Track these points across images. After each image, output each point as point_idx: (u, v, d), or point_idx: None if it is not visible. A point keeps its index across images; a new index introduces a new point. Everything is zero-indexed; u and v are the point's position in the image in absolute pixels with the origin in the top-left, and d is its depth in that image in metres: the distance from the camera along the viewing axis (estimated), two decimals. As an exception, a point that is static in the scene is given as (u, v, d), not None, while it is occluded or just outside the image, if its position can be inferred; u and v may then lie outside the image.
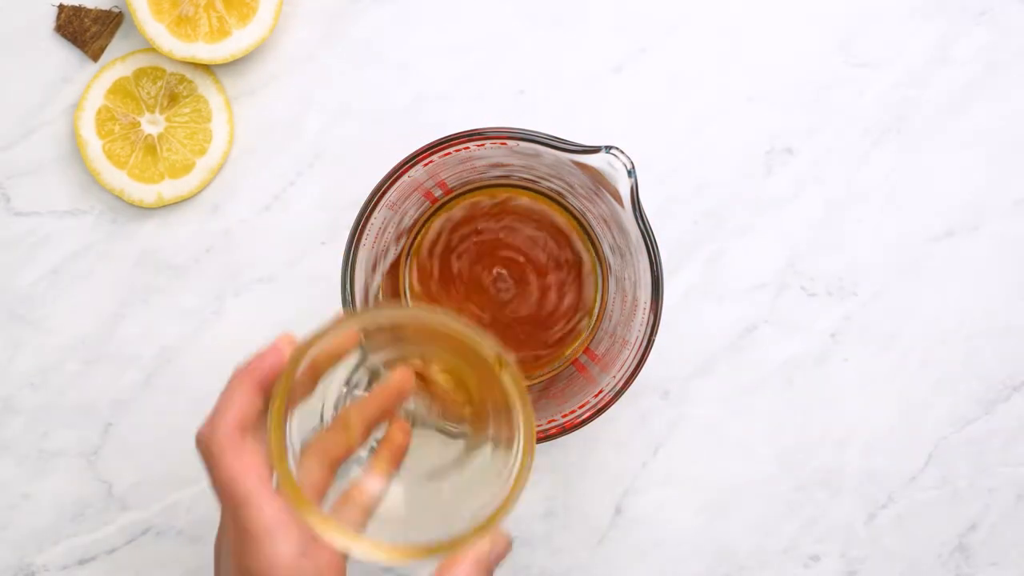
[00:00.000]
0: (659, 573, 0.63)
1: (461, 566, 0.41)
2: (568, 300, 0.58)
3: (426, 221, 0.58)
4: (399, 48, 0.63)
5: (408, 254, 0.58)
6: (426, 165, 0.52)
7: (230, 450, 0.42)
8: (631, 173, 0.49)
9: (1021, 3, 0.64)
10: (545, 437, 0.51)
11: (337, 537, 0.39)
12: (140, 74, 0.62)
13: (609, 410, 0.52)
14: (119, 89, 0.62)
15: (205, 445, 0.43)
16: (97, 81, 0.62)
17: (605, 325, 0.58)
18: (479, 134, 0.50)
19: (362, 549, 0.39)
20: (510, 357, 0.41)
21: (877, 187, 0.64)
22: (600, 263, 0.58)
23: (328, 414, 0.45)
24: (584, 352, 0.58)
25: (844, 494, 0.63)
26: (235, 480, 0.41)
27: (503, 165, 0.55)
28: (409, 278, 0.58)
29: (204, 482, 0.56)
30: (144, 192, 0.62)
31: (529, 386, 0.58)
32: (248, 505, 0.41)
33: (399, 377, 0.45)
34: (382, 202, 0.51)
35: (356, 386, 0.46)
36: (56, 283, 0.63)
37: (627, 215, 0.50)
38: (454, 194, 0.57)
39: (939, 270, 0.64)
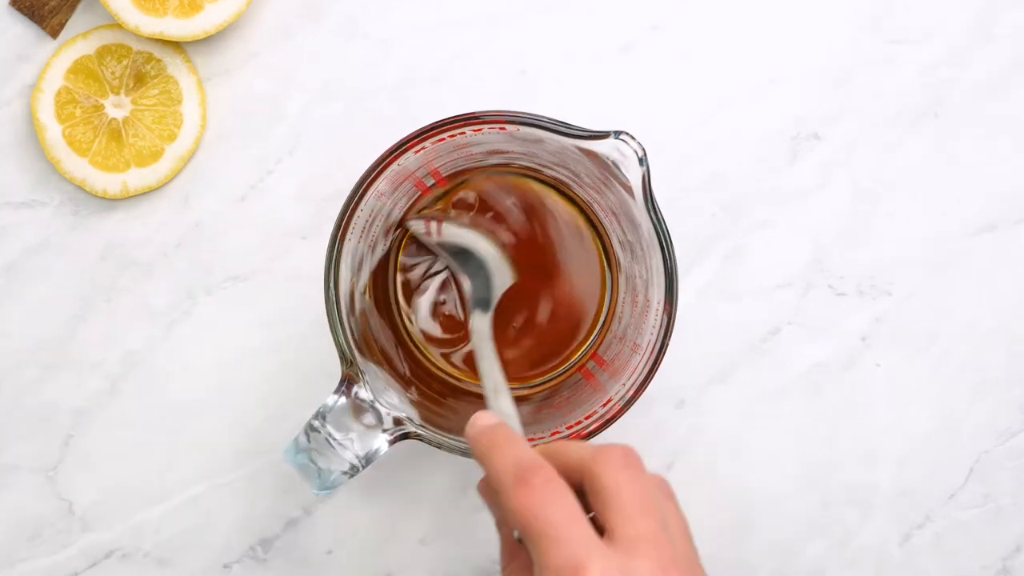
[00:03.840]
0: (673, 598, 0.63)
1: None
2: (574, 300, 0.58)
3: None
4: (387, 23, 0.63)
5: (399, 250, 0.58)
6: (417, 152, 0.51)
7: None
8: (642, 161, 0.49)
9: (1068, -25, 0.64)
10: (549, 451, 0.53)
11: None
12: (104, 52, 0.62)
13: (619, 421, 0.52)
14: (80, 69, 0.62)
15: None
16: (56, 60, 0.62)
17: (614, 328, 0.57)
18: (476, 118, 0.50)
19: None
20: None
21: (911, 176, 0.64)
22: (609, 260, 0.58)
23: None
24: (591, 357, 0.58)
25: (876, 513, 0.63)
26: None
27: (502, 152, 0.55)
28: (400, 276, 0.58)
29: (173, 500, 0.63)
30: (108, 182, 0.62)
31: (531, 395, 0.58)
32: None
33: None
34: (369, 192, 0.51)
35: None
36: (11, 281, 0.63)
37: (638, 207, 0.50)
38: (449, 184, 0.57)
39: (979, 267, 0.64)
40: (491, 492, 0.47)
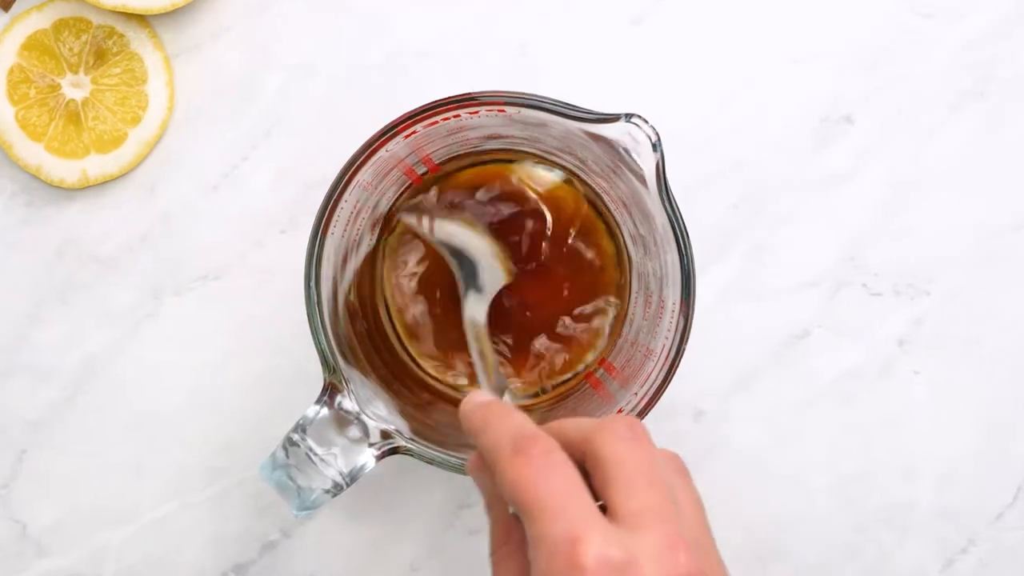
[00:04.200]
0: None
1: None
2: (580, 302, 0.58)
3: (408, 205, 0.58)
4: (375, -7, 0.64)
5: (387, 246, 0.58)
6: (408, 137, 0.51)
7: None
8: (656, 147, 0.49)
9: None
10: (553, 467, 0.52)
11: None
12: (61, 26, 0.62)
13: (630, 433, 0.52)
14: (35, 44, 0.62)
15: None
16: (8, 35, 0.62)
17: (625, 331, 0.57)
18: (472, 100, 0.50)
19: None
20: None
21: (953, 163, 0.64)
22: (619, 255, 0.58)
23: None
24: (600, 364, 0.57)
25: (915, 535, 0.64)
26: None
27: (501, 137, 0.55)
28: (388, 273, 0.58)
29: (137, 522, 0.64)
30: (65, 169, 0.62)
31: (533, 406, 0.58)
32: None
33: None
34: (354, 181, 0.51)
35: None
36: (-42, 279, 0.63)
37: (651, 197, 0.49)
38: (442, 172, 0.57)
39: (1028, 264, 0.64)
40: (483, 469, 0.47)
